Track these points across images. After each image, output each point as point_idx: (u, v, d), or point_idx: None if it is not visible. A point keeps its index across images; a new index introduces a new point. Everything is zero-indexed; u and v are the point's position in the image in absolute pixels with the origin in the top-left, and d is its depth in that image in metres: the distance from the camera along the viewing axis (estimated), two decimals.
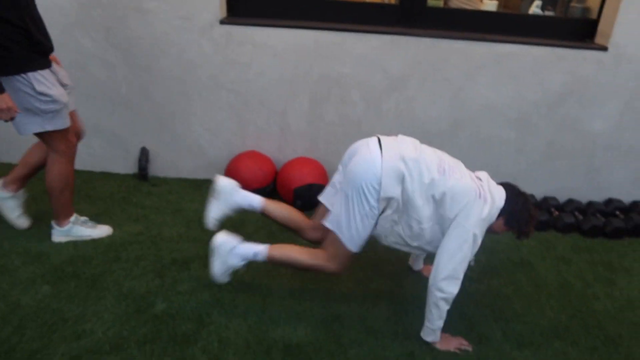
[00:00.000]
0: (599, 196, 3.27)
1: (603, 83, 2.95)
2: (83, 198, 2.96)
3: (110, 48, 2.96)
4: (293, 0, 3.07)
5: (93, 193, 3.04)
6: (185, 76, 3.05)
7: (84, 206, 2.86)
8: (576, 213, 3.11)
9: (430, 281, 1.95)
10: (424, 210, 1.92)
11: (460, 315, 2.23)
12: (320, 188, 2.93)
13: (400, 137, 2.07)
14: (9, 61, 2.04)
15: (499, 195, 2.00)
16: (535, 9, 3.20)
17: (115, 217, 2.79)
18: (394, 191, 1.89)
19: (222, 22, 2.92)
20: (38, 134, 2.26)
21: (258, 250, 2.12)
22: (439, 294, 1.92)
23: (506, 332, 2.17)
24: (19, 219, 2.61)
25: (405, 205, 1.92)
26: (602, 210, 3.15)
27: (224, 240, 2.13)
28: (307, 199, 2.95)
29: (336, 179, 2.17)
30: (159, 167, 3.30)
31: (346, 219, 1.97)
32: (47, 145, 2.32)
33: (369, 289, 2.38)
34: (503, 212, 1.98)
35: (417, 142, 2.05)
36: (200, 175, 3.30)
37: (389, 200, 1.91)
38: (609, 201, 3.23)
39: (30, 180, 2.61)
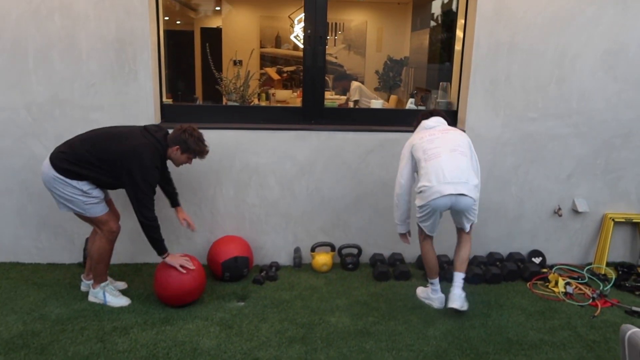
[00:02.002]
0: (482, 251, 3.92)
1: None
2: (31, 286, 3.30)
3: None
4: (215, 108, 3.76)
5: (40, 281, 3.39)
6: None
7: (32, 292, 3.21)
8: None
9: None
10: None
11: (359, 349, 2.71)
12: (244, 259, 3.44)
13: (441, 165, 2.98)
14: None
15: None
16: (410, 104, 4.04)
17: (62, 299, 3.15)
18: (476, 192, 3.01)
19: None
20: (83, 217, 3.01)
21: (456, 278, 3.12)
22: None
23: (396, 358, 2.65)
24: (121, 299, 3.15)
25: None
26: (484, 262, 3.78)
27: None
28: (233, 270, 3.41)
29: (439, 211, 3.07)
30: None
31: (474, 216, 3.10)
32: (95, 225, 3.04)
33: (284, 336, 2.82)
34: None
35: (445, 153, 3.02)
36: (138, 259, 3.72)
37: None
38: (490, 254, 3.89)
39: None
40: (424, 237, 3.20)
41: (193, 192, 3.64)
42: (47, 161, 2.89)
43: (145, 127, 3.02)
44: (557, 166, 3.80)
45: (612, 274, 3.72)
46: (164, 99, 3.74)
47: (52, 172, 2.84)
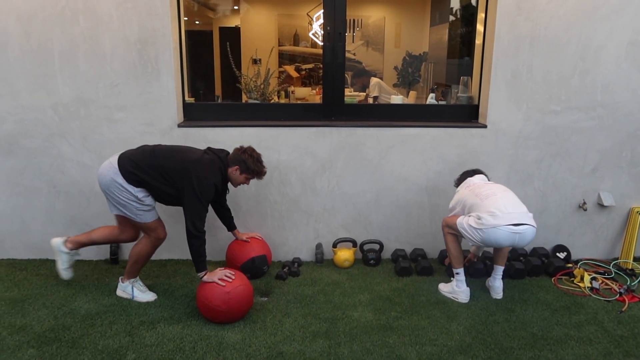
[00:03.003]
0: None
1: (488, 152, 3.69)
2: (60, 282, 3.38)
3: (86, 152, 3.56)
4: (237, 105, 3.80)
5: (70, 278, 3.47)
6: None
7: (61, 288, 3.29)
8: (486, 261, 3.69)
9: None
10: None
11: (382, 344, 2.72)
12: (261, 258, 3.45)
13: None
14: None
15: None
16: (430, 100, 4.02)
17: (90, 294, 3.22)
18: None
19: (180, 125, 3.59)
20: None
21: None
22: None
23: (420, 352, 2.65)
24: (67, 271, 3.25)
25: None
26: (507, 257, 3.74)
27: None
28: (253, 270, 3.42)
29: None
30: (127, 252, 3.76)
31: None
32: (144, 231, 3.13)
33: (308, 331, 2.84)
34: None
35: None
36: (164, 256, 3.78)
37: None
38: (514, 249, 3.85)
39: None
40: (452, 232, 3.19)
41: None
42: (108, 163, 2.96)
43: (208, 147, 3.14)
44: (581, 160, 3.75)
45: None
46: (186, 98, 3.79)
47: (111, 175, 2.91)
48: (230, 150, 3.13)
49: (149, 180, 2.92)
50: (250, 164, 3.04)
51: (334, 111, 3.77)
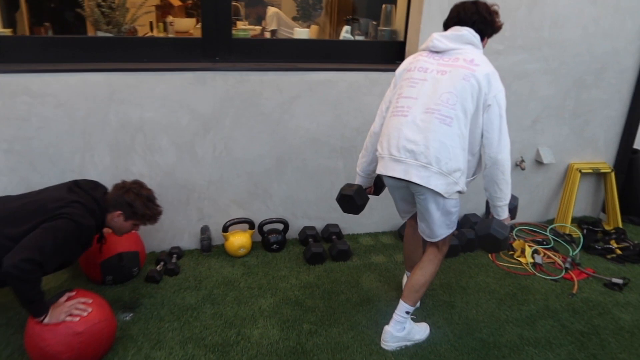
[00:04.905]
0: None
1: None
2: None
3: None
4: (78, 41, 2.65)
5: None
6: None
7: None
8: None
9: (491, 160, 1.95)
10: None
11: None
12: (131, 256, 2.53)
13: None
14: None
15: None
16: (345, 34, 3.15)
17: None
18: (449, 183, 2.00)
19: None
20: None
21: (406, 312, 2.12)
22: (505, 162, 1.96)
23: None
24: None
25: None
26: None
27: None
28: (118, 271, 2.49)
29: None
30: None
31: (441, 223, 2.11)
32: None
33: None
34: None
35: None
36: None
37: None
38: None
39: None
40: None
41: (51, 162, 2.59)
42: None
43: (73, 181, 2.19)
44: (521, 110, 3.15)
45: (578, 233, 3.23)
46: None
47: None
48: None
49: None
50: (138, 207, 2.14)
51: (219, 49, 2.77)
